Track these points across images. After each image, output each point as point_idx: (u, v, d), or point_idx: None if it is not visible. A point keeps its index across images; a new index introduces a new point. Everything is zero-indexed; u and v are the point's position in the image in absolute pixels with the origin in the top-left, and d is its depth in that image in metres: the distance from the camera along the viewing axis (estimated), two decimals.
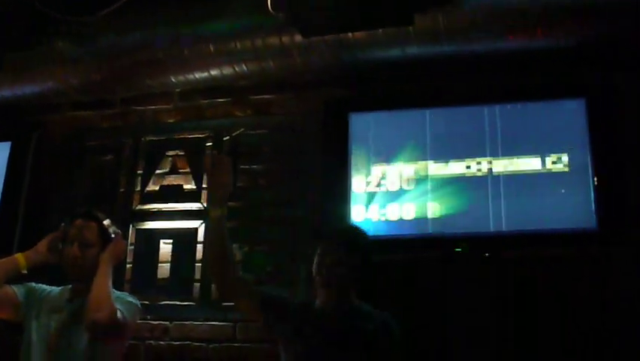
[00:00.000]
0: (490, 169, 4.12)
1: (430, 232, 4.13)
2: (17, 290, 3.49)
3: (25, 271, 3.50)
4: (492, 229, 4.03)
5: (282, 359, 3.20)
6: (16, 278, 3.52)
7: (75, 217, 3.54)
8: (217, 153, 3.46)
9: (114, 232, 3.54)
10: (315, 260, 3.19)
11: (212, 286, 4.36)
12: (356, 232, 3.39)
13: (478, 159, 4.16)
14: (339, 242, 3.20)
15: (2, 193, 4.96)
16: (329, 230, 3.47)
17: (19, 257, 3.51)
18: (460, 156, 4.19)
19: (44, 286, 3.61)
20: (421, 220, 4.16)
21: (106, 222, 3.54)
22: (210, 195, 3.40)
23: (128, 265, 4.61)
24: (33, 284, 3.59)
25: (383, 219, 4.24)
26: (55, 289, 3.60)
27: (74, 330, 3.35)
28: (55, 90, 4.84)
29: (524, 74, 4.24)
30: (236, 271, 3.37)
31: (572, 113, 4.10)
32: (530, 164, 4.07)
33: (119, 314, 3.28)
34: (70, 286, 3.55)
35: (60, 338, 3.36)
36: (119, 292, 3.52)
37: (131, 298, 3.52)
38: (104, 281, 3.33)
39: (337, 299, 3.17)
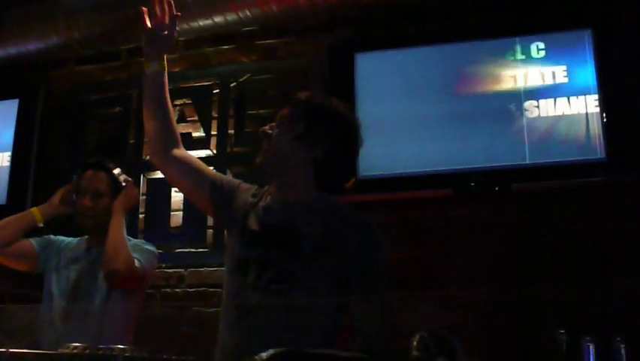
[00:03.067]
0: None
1: (439, 168, 4.13)
2: (35, 243, 3.52)
3: (41, 225, 3.54)
4: (501, 163, 4.04)
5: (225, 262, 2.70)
6: (34, 232, 3.56)
7: (85, 168, 3.55)
8: None
9: (125, 181, 3.53)
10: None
11: (225, 231, 4.39)
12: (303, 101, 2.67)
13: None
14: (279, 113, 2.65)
15: (13, 150, 5.01)
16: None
17: (34, 211, 3.54)
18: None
19: (62, 238, 3.63)
20: (427, 156, 4.17)
21: (116, 171, 3.54)
22: (146, 48, 2.64)
23: (140, 215, 4.66)
24: (51, 236, 3.61)
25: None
26: (74, 240, 3.62)
27: (92, 280, 3.39)
28: (60, 45, 4.85)
29: (529, 9, 4.23)
30: (178, 144, 2.71)
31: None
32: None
33: (136, 263, 3.30)
34: (87, 237, 3.58)
35: (79, 288, 3.40)
36: (135, 240, 3.55)
37: (147, 246, 3.53)
38: (118, 230, 3.34)
39: (281, 190, 2.60)
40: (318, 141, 2.55)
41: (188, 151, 3.85)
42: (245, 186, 2.72)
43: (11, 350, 1.85)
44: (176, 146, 2.71)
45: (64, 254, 3.53)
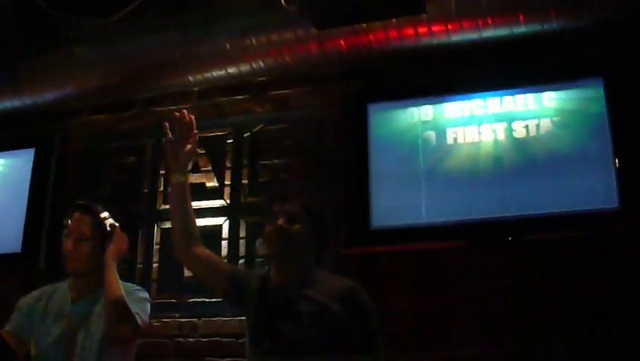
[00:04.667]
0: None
1: (451, 219, 4.12)
2: (15, 328, 3.36)
3: None
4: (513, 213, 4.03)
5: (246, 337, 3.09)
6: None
7: (74, 210, 3.44)
8: (179, 115, 3.17)
9: (110, 226, 3.40)
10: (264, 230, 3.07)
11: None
12: (300, 200, 3.12)
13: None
14: (285, 211, 3.01)
15: (28, 198, 5.04)
16: (279, 198, 3.15)
17: None
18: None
19: (39, 294, 3.47)
20: (439, 208, 4.17)
21: (103, 215, 3.40)
22: (171, 161, 3.13)
23: (154, 265, 4.65)
24: (25, 306, 3.43)
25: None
26: (55, 289, 3.46)
27: (83, 335, 3.28)
28: (75, 95, 4.89)
29: (540, 59, 4.23)
30: (198, 241, 3.14)
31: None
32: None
33: (137, 319, 3.24)
34: (67, 281, 3.46)
35: (70, 343, 3.26)
36: (127, 285, 3.42)
37: (141, 294, 3.43)
38: (115, 287, 3.24)
39: (286, 270, 3.00)
40: (321, 232, 3.09)
41: (203, 201, 4.00)
42: (255, 273, 3.29)
43: None
44: (197, 243, 3.14)
45: (49, 310, 3.37)
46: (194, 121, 3.16)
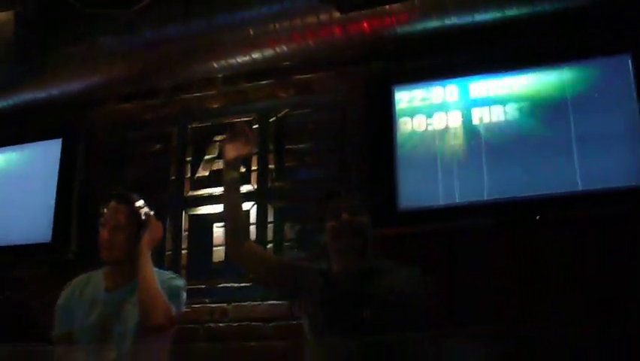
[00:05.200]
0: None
1: (478, 199, 4.11)
2: (62, 328, 3.40)
3: None
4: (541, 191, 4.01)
5: (305, 328, 3.15)
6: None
7: (109, 199, 3.46)
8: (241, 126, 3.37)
9: (145, 214, 3.42)
10: (326, 225, 3.16)
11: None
12: (356, 193, 3.37)
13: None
14: (345, 205, 3.13)
15: (57, 188, 5.07)
16: (334, 195, 3.30)
17: None
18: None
19: (74, 285, 3.50)
20: (467, 188, 4.16)
21: (138, 203, 3.42)
22: (226, 158, 3.28)
23: (183, 251, 4.68)
24: (62, 301, 3.45)
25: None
26: (89, 277, 3.50)
27: (118, 323, 3.29)
28: (101, 84, 4.91)
29: (564, 36, 4.19)
30: (249, 238, 3.41)
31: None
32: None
33: (172, 310, 3.26)
34: (102, 270, 3.48)
35: (104, 332, 3.29)
36: (162, 273, 3.45)
37: (177, 282, 3.44)
38: (148, 277, 3.26)
39: (353, 262, 3.09)
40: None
41: None
42: (311, 266, 3.31)
43: None
44: (247, 239, 3.34)
45: (84, 300, 3.40)
46: (251, 133, 3.36)
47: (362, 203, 3.18)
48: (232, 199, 3.26)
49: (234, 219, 3.26)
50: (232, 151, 3.21)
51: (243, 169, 3.46)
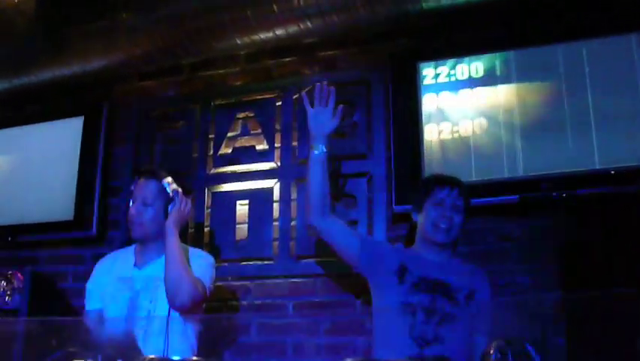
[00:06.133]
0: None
1: (502, 176, 4.08)
2: (93, 304, 3.51)
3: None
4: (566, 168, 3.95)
5: (374, 302, 3.29)
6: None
7: (139, 176, 3.54)
8: (319, 85, 3.58)
9: (174, 190, 3.45)
10: (426, 207, 3.30)
11: (291, 243, 4.40)
12: (465, 189, 3.42)
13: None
14: (453, 193, 3.30)
15: (79, 166, 5.06)
16: (437, 180, 3.45)
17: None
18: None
19: (104, 260, 3.61)
20: (490, 165, 4.12)
21: (167, 180, 3.47)
22: (313, 132, 3.49)
23: (206, 229, 4.66)
24: (93, 278, 3.57)
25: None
26: (120, 253, 3.61)
27: (149, 299, 3.35)
28: (122, 61, 4.88)
29: (588, 11, 4.14)
30: (332, 210, 3.52)
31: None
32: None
33: (200, 287, 3.28)
34: (133, 246, 3.56)
35: (135, 307, 3.36)
36: (193, 250, 3.51)
37: (205, 260, 3.49)
38: (175, 254, 3.29)
39: (436, 253, 3.29)
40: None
41: (253, 164, 3.98)
42: (389, 246, 3.66)
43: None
44: (330, 211, 3.48)
45: (115, 275, 3.48)
46: (333, 91, 3.55)
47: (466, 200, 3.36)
48: (320, 170, 3.44)
49: (322, 188, 3.42)
50: (319, 121, 3.51)
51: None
